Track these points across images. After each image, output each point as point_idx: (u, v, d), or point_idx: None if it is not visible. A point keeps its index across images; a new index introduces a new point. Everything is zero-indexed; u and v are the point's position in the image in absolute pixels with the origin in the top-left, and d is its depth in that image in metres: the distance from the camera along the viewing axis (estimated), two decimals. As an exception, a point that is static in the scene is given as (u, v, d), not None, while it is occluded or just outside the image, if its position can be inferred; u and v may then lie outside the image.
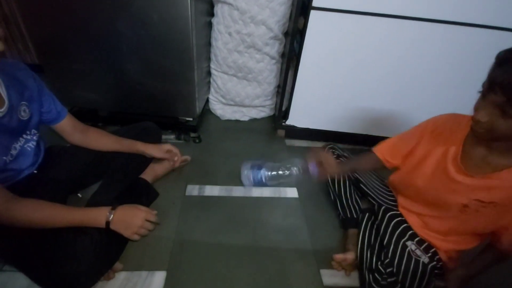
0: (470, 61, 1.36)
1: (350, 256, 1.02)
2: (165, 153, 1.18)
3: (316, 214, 1.27)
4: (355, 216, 1.13)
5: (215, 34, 1.60)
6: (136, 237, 0.84)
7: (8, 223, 0.71)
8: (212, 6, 1.59)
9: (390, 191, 1.11)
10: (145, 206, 0.91)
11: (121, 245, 0.93)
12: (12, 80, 0.80)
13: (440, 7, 1.23)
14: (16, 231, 0.74)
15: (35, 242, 0.77)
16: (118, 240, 0.86)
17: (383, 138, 1.64)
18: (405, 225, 0.96)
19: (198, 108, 1.64)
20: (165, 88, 1.49)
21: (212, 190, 1.33)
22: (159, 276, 0.97)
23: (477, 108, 0.68)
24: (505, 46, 0.67)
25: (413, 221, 0.96)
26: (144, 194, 1.17)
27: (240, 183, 1.37)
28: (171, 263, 1.01)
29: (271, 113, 1.95)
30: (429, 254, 0.88)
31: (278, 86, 1.82)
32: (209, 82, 1.82)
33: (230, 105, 1.84)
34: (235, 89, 1.75)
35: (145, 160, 1.19)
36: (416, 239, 0.92)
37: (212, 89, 1.84)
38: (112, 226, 0.82)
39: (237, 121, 1.88)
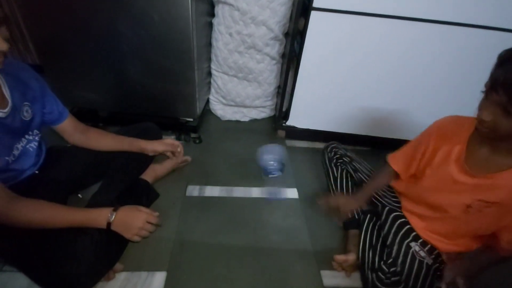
0: (469, 61, 1.37)
1: (351, 257, 1.02)
2: (167, 145, 1.17)
3: (316, 214, 1.27)
4: (356, 217, 1.13)
5: (215, 34, 1.60)
6: (136, 238, 0.83)
7: (9, 223, 0.71)
8: (212, 6, 1.59)
9: (394, 192, 1.11)
10: (146, 207, 0.91)
11: (122, 246, 0.93)
12: (16, 80, 0.80)
13: (440, 8, 1.23)
14: (17, 231, 0.74)
15: (36, 242, 0.77)
16: (118, 241, 0.86)
17: (383, 139, 1.67)
18: (408, 226, 0.96)
19: (199, 109, 1.64)
20: (166, 88, 1.49)
21: (212, 191, 1.33)
22: (159, 277, 0.97)
23: (480, 107, 0.69)
24: (504, 46, 0.68)
25: (416, 223, 0.96)
26: (144, 195, 1.17)
27: (240, 183, 1.38)
28: (171, 264, 1.01)
29: (272, 113, 1.95)
30: (433, 256, 0.88)
31: (279, 87, 1.82)
32: (210, 82, 1.82)
33: (231, 105, 1.84)
34: (236, 89, 1.75)
35: (146, 161, 1.19)
36: (420, 240, 0.92)
37: (212, 90, 1.84)
38: (113, 227, 0.82)
39: (237, 121, 1.88)
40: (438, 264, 0.86)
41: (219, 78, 1.74)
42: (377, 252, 0.96)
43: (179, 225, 1.15)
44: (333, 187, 1.20)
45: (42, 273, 0.77)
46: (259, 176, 1.44)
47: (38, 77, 0.88)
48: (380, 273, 0.89)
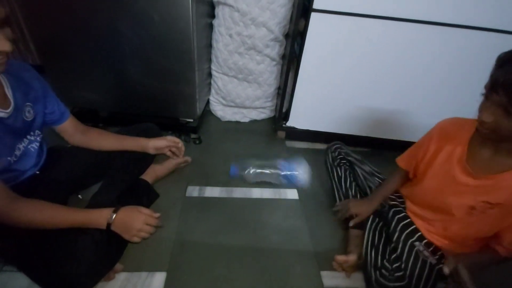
0: (468, 63, 1.37)
1: (352, 257, 1.02)
2: (169, 141, 1.17)
3: (316, 215, 1.27)
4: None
5: (215, 35, 1.61)
6: (136, 239, 0.83)
7: (10, 223, 0.71)
8: (213, 7, 1.59)
9: (399, 192, 1.11)
10: (146, 207, 0.91)
11: (122, 246, 0.93)
12: (18, 81, 0.81)
13: (439, 10, 1.24)
14: (17, 231, 0.74)
15: (36, 242, 0.77)
16: (119, 241, 0.86)
17: (383, 140, 1.67)
18: (413, 226, 0.96)
19: (199, 109, 1.64)
20: (166, 89, 1.49)
21: (212, 191, 1.33)
22: (159, 277, 0.97)
23: (481, 109, 0.69)
24: (503, 48, 0.69)
25: (420, 225, 0.96)
26: (144, 195, 1.17)
27: (240, 184, 1.38)
28: (171, 264, 1.01)
29: (272, 114, 1.95)
30: (437, 256, 0.88)
31: (279, 88, 1.83)
32: (210, 83, 1.83)
33: (231, 106, 1.85)
34: (236, 90, 1.75)
35: (146, 161, 1.19)
36: (424, 241, 0.92)
37: (212, 91, 1.84)
38: (112, 228, 0.82)
39: (237, 122, 1.88)
40: (441, 265, 0.86)
41: (219, 79, 1.75)
42: (380, 252, 0.97)
43: (179, 226, 1.15)
44: (337, 186, 1.20)
45: (42, 273, 0.77)
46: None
47: (39, 78, 0.88)
48: (383, 270, 0.89)
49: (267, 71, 1.69)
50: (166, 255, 1.04)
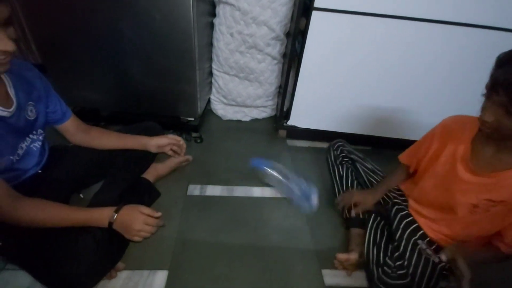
0: (470, 61, 1.37)
1: (353, 256, 1.02)
2: (171, 139, 1.17)
3: (317, 214, 1.27)
4: (360, 216, 1.13)
5: (216, 34, 1.61)
6: (137, 238, 0.83)
7: (12, 222, 0.71)
8: (214, 6, 1.59)
9: (401, 191, 1.11)
10: (147, 206, 0.91)
11: (124, 245, 0.93)
12: (20, 80, 0.81)
13: (441, 8, 1.24)
14: (19, 230, 0.75)
15: (38, 240, 0.77)
16: (120, 240, 0.86)
17: (384, 138, 1.67)
18: (416, 225, 0.96)
19: (200, 108, 1.64)
20: (167, 88, 1.49)
21: (213, 190, 1.33)
22: (161, 275, 0.97)
23: (483, 108, 0.70)
24: (503, 45, 0.69)
25: (423, 223, 0.96)
26: (146, 194, 1.18)
27: (241, 183, 1.38)
28: (172, 263, 1.02)
29: (273, 113, 1.95)
30: (439, 255, 0.88)
31: (280, 87, 1.83)
32: (211, 82, 1.83)
33: (232, 105, 1.85)
34: (237, 89, 1.75)
35: (147, 160, 1.20)
36: (427, 239, 0.92)
37: (213, 89, 1.85)
38: (114, 227, 0.82)
39: (238, 121, 1.88)
40: (444, 263, 0.86)
41: (220, 78, 1.75)
42: (382, 249, 0.97)
43: (181, 224, 1.16)
44: (338, 185, 1.20)
45: (44, 271, 0.77)
46: (259, 175, 1.44)
47: (42, 77, 0.88)
48: (386, 268, 0.89)
49: (268, 70, 1.69)
50: (168, 254, 1.04)
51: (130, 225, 0.82)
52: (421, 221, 0.97)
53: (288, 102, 1.60)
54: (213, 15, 1.61)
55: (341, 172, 1.20)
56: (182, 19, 1.27)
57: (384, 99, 1.53)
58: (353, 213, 1.09)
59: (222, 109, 1.87)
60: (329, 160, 1.26)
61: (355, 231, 1.11)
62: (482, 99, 0.71)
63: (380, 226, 1.05)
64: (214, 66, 1.74)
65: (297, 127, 1.68)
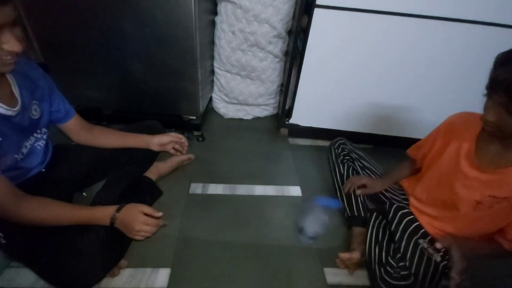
0: (472, 58, 1.36)
1: (355, 255, 1.02)
2: (173, 136, 1.17)
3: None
4: (362, 215, 1.12)
5: (218, 32, 1.61)
6: (138, 237, 0.84)
7: (16, 220, 0.72)
8: (215, 4, 1.59)
9: (402, 189, 1.11)
10: (149, 204, 0.91)
11: (126, 243, 0.94)
12: (25, 79, 0.81)
13: (443, 5, 1.23)
14: (24, 228, 0.75)
15: (42, 238, 0.78)
16: (123, 238, 0.86)
17: (386, 137, 1.66)
18: (417, 223, 0.96)
19: (202, 107, 1.64)
20: (169, 86, 1.49)
21: (215, 188, 1.34)
22: (164, 273, 0.98)
23: (485, 108, 0.70)
24: (506, 42, 0.70)
25: (425, 221, 0.96)
26: (148, 192, 1.18)
27: (243, 181, 1.38)
28: (175, 260, 1.02)
29: (274, 111, 1.95)
30: (441, 253, 0.88)
31: (282, 85, 1.82)
32: (213, 80, 1.83)
33: (233, 103, 1.85)
34: (238, 87, 1.75)
35: (149, 158, 1.20)
36: (428, 237, 0.92)
37: (215, 88, 1.84)
38: (116, 226, 0.83)
39: (240, 119, 1.88)
40: (446, 262, 0.86)
41: (222, 76, 1.75)
42: (384, 248, 0.96)
43: (183, 223, 1.16)
44: (339, 183, 1.20)
45: (48, 269, 0.78)
46: (261, 174, 1.45)
47: (46, 76, 0.89)
48: (388, 267, 0.89)
49: (270, 68, 1.69)
50: (170, 252, 1.05)
51: (129, 225, 0.82)
52: (422, 219, 0.96)
53: (290, 100, 1.60)
54: (215, 13, 1.61)
55: (342, 171, 1.20)
56: (183, 17, 1.26)
57: (386, 97, 1.53)
58: (358, 192, 1.11)
59: (224, 108, 1.87)
60: (330, 159, 1.26)
61: (357, 229, 1.11)
62: (484, 97, 0.71)
63: (382, 225, 1.05)
64: (215, 64, 1.74)
65: (299, 125, 1.68)
